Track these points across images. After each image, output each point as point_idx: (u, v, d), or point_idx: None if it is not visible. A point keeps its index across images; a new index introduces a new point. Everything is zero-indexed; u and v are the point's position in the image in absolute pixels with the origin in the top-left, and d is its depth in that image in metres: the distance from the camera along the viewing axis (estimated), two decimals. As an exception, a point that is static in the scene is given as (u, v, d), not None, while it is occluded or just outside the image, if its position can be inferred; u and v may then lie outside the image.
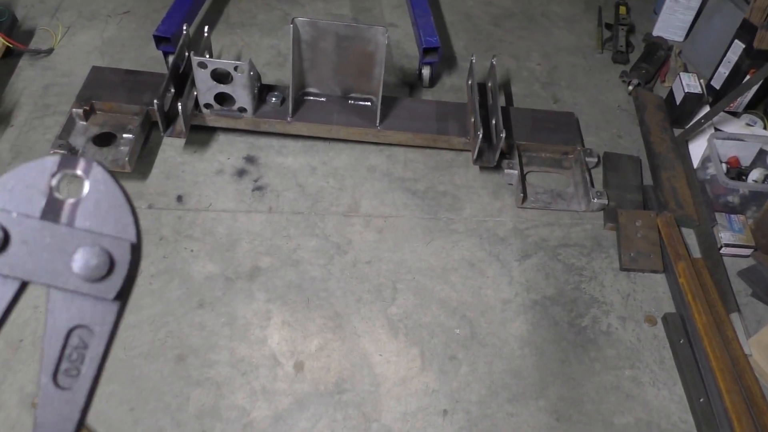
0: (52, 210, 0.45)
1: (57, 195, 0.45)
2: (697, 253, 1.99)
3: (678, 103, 2.30)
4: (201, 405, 1.55)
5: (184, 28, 2.13)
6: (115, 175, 0.46)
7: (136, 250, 0.46)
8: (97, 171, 0.45)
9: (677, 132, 2.31)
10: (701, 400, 1.63)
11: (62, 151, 1.86)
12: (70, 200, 0.46)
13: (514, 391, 1.64)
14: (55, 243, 0.44)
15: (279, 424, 1.53)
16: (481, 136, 1.98)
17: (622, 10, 2.76)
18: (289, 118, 2.06)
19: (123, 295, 0.46)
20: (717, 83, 2.37)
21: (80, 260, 0.44)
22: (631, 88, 2.46)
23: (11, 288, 0.45)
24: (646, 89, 2.46)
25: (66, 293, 0.45)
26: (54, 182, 0.45)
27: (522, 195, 2.02)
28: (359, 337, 1.70)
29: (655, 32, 2.72)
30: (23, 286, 0.45)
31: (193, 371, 1.60)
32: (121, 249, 0.45)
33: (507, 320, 1.78)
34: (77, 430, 0.47)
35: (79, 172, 0.45)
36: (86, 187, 0.45)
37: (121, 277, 0.45)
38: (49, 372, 0.46)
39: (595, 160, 2.17)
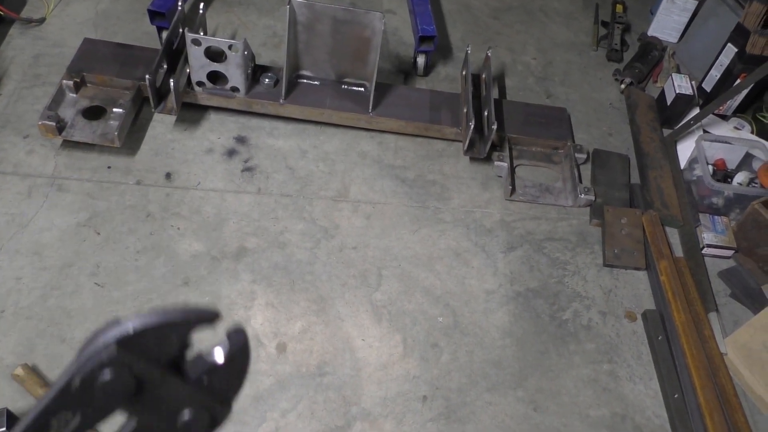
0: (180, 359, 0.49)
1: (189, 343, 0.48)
2: (679, 252, 2.01)
3: (669, 104, 2.32)
4: (182, 382, 1.55)
5: (180, 3, 2.11)
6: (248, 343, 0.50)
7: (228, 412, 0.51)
8: (242, 336, 0.49)
9: (667, 132, 2.33)
10: (676, 396, 1.66)
11: (51, 123, 1.84)
12: (200, 352, 0.49)
13: (494, 381, 1.66)
14: (172, 397, 0.48)
15: (259, 403, 1.54)
16: (472, 127, 1.98)
17: (619, 8, 2.77)
18: (281, 100, 2.05)
19: None
20: (708, 86, 2.39)
21: (187, 420, 0.49)
22: (623, 86, 2.48)
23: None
24: (639, 88, 2.48)
25: None
26: (189, 337, 0.48)
27: (510, 188, 2.04)
28: (343, 321, 1.71)
29: (651, 32, 2.73)
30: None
31: (175, 348, 1.60)
32: (221, 415, 0.50)
33: (490, 311, 1.79)
34: None
35: (226, 336, 0.49)
36: (219, 355, 0.49)
37: None
38: None
39: (585, 156, 2.18)
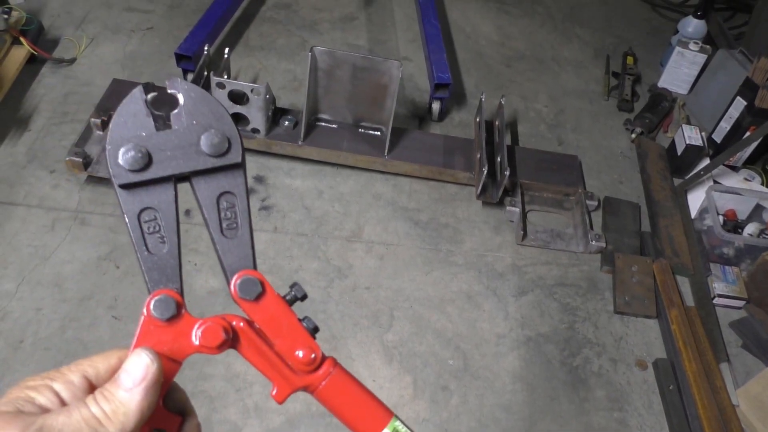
0: (163, 122, 0.55)
1: (157, 112, 0.55)
2: (690, 301, 2.02)
3: (679, 154, 2.36)
4: (194, 417, 1.57)
5: (206, 48, 2.20)
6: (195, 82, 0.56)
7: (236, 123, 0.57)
8: (183, 83, 0.56)
9: (677, 182, 2.36)
10: (687, 447, 1.65)
11: (78, 159, 1.90)
12: (173, 111, 0.55)
13: (504, 426, 1.66)
14: (181, 141, 0.55)
15: (269, 441, 1.55)
16: (485, 172, 2.03)
17: (630, 60, 2.84)
18: (300, 142, 2.11)
19: (243, 161, 0.57)
20: (718, 137, 2.43)
21: (206, 143, 0.55)
22: (634, 136, 2.53)
23: (171, 186, 0.56)
24: (649, 138, 2.53)
25: (205, 175, 0.56)
26: (149, 101, 0.55)
27: (522, 232, 2.07)
28: (354, 360, 1.73)
29: (661, 84, 2.79)
30: (176, 183, 0.56)
31: (188, 383, 1.62)
32: (228, 127, 0.56)
33: (500, 354, 1.80)
34: (254, 263, 0.59)
35: (170, 90, 0.56)
36: (181, 98, 0.55)
37: (239, 145, 0.56)
38: (218, 230, 0.58)
39: (596, 203, 2.22)
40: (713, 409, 1.69)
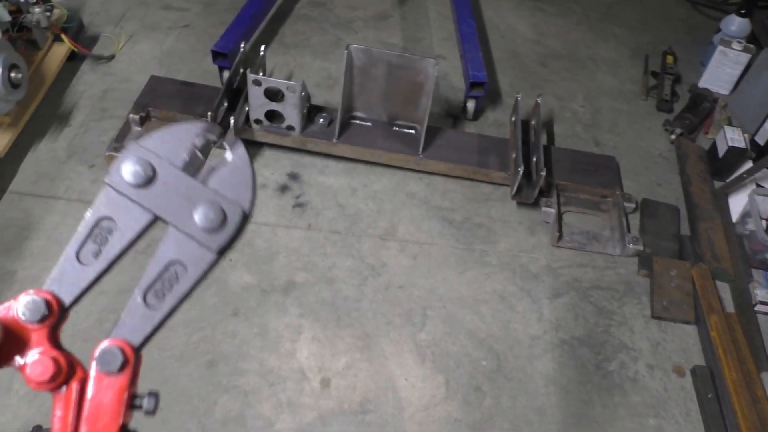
0: (192, 165, 0.55)
1: (198, 154, 0.55)
2: (730, 307, 1.97)
3: (720, 156, 2.30)
4: (227, 412, 1.58)
5: (242, 45, 2.21)
6: (251, 156, 0.55)
7: (245, 218, 0.55)
8: (240, 148, 0.55)
9: (718, 184, 2.30)
10: (727, 456, 1.61)
11: (116, 154, 1.93)
12: (210, 163, 0.55)
13: (536, 429, 1.64)
14: (187, 192, 0.54)
15: (302, 438, 1.56)
16: (521, 172, 2.01)
17: (670, 59, 2.78)
18: (334, 140, 2.12)
19: (222, 251, 0.55)
20: (761, 139, 2.36)
21: (202, 212, 0.54)
22: (673, 137, 2.47)
23: (146, 218, 0.55)
24: (689, 139, 2.47)
25: (181, 234, 0.54)
26: (197, 142, 0.55)
27: (558, 234, 2.04)
28: (387, 359, 1.72)
29: (702, 84, 2.73)
30: (153, 221, 0.55)
31: (222, 378, 1.64)
32: (234, 213, 0.54)
33: (534, 357, 1.78)
34: (144, 343, 0.56)
35: (225, 143, 0.56)
36: (228, 156, 0.55)
37: (228, 234, 0.54)
38: (142, 289, 0.56)
39: (633, 205, 2.17)
40: (753, 420, 1.64)
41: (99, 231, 0.55)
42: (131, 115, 2.08)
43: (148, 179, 0.53)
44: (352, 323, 1.78)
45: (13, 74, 1.89)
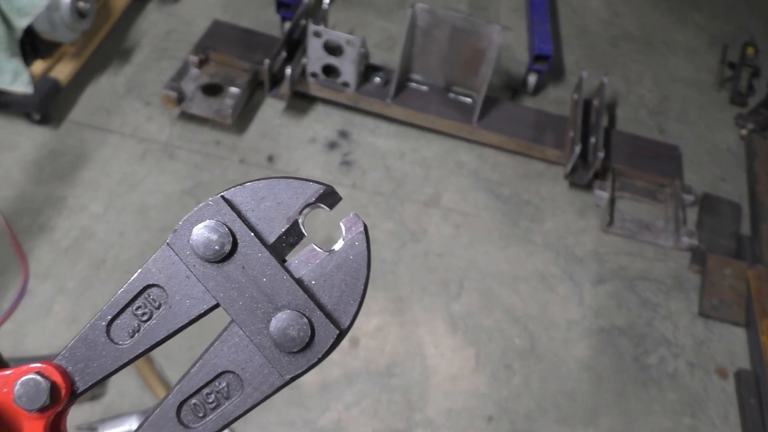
0: (288, 242, 0.40)
1: (301, 227, 0.40)
2: (785, 315, 1.87)
3: (794, 156, 2.17)
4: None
5: (305, -4, 2.19)
6: (370, 251, 0.40)
7: (339, 339, 0.40)
8: (359, 236, 0.40)
9: (787, 186, 2.17)
10: (762, 466, 1.54)
11: (173, 94, 1.95)
12: (312, 246, 0.40)
13: (564, 413, 1.60)
14: (270, 286, 0.39)
15: (325, 392, 1.56)
16: (578, 151, 1.93)
17: (751, 50, 2.62)
18: (388, 100, 2.08)
19: (295, 378, 0.40)
20: (842, 143, 2.21)
21: (282, 323, 0.39)
22: (745, 132, 2.34)
23: (207, 304, 0.40)
24: (761, 136, 2.33)
25: (247, 340, 0.40)
26: (306, 211, 0.40)
27: (609, 219, 1.96)
28: (418, 325, 1.70)
29: (782, 79, 2.57)
30: (216, 307, 0.40)
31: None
32: (327, 333, 0.39)
33: (570, 341, 1.73)
34: None
35: (341, 224, 0.40)
36: (339, 244, 0.40)
37: (310, 362, 0.39)
38: (178, 399, 0.41)
39: (692, 198, 2.07)
40: (797, 432, 1.56)
41: (144, 302, 0.41)
42: (190, 57, 2.09)
43: (223, 256, 0.39)
44: (386, 285, 1.76)
45: (81, 3, 1.91)
